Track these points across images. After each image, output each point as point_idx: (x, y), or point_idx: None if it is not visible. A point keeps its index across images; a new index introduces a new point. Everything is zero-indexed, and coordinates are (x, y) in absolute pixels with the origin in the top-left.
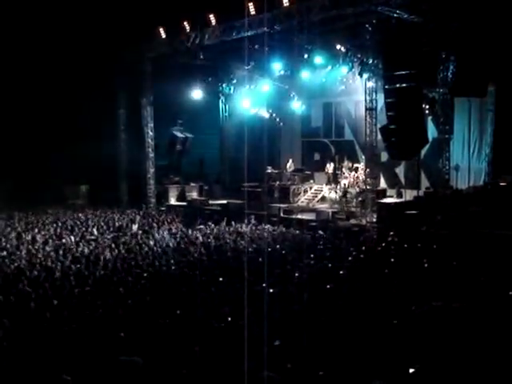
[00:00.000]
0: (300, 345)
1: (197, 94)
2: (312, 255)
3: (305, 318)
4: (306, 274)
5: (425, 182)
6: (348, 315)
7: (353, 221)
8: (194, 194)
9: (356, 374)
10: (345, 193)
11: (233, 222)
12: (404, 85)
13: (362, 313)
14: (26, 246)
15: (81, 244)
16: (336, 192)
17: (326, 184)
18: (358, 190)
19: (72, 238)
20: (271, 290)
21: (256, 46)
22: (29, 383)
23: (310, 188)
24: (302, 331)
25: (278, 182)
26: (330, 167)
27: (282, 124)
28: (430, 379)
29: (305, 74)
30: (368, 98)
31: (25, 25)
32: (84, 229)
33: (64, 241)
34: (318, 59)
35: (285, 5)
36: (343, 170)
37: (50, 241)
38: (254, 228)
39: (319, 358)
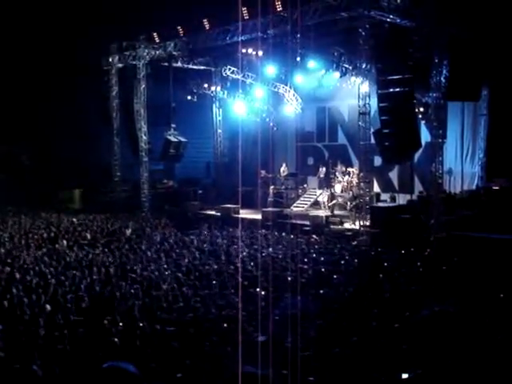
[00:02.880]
0: (295, 350)
1: (190, 98)
2: (306, 260)
3: (300, 322)
4: (301, 278)
5: (418, 186)
6: (344, 319)
7: (346, 225)
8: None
9: (354, 379)
10: (332, 198)
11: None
12: (397, 89)
13: (357, 317)
14: (19, 251)
15: (74, 248)
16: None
17: (319, 188)
18: (351, 194)
19: (65, 242)
20: (263, 293)
21: (249, 51)
22: None
23: (304, 192)
24: (298, 336)
25: (272, 187)
26: (322, 171)
27: (275, 128)
28: None
29: (298, 79)
30: (361, 102)
31: (27, 28)
32: (77, 233)
33: (57, 245)
34: (312, 63)
35: (278, 9)
36: (337, 174)
37: (44, 245)
38: (247, 233)
39: (314, 362)
